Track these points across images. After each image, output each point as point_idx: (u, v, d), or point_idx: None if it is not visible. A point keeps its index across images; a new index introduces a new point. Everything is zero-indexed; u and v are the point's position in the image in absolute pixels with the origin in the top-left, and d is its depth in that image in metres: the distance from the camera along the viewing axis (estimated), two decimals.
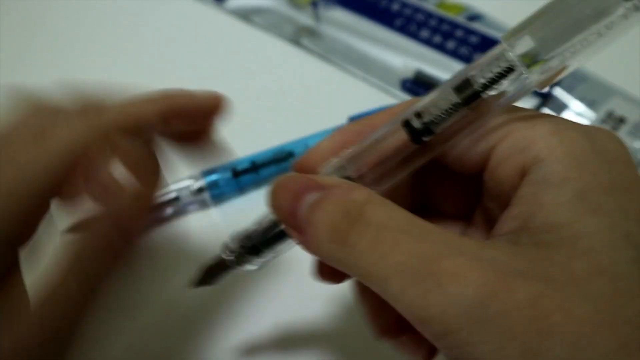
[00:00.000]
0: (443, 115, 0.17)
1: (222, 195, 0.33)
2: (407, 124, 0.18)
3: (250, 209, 0.33)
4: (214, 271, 0.23)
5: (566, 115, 0.35)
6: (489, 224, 0.19)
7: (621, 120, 0.34)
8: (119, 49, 0.43)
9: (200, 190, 0.32)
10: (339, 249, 0.16)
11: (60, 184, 0.18)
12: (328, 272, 0.20)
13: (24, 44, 0.44)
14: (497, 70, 0.16)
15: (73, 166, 0.18)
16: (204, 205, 0.33)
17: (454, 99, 0.17)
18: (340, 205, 0.16)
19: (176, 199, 0.32)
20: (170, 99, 0.21)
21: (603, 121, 0.34)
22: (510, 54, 0.16)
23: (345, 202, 0.16)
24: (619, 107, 0.35)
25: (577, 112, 0.35)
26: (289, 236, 0.19)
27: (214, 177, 0.33)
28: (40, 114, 0.20)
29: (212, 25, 0.43)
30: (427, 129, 0.17)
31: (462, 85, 0.17)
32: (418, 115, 0.18)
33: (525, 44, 0.16)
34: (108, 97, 0.21)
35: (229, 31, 0.43)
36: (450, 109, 0.17)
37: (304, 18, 0.42)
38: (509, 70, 0.16)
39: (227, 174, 0.33)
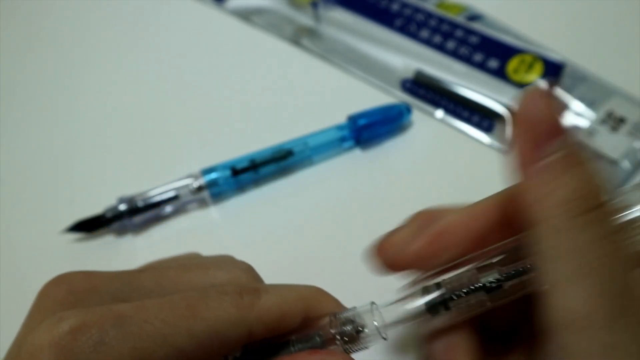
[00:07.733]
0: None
1: (222, 194, 0.33)
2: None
3: (250, 207, 0.34)
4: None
5: (566, 115, 0.35)
6: None
7: (621, 120, 0.34)
8: (119, 49, 0.43)
9: (199, 188, 0.32)
10: None
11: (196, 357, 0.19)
12: None
13: (24, 44, 0.44)
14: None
15: (218, 345, 0.19)
16: (203, 203, 0.33)
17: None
18: None
19: (176, 197, 0.32)
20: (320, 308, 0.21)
21: (603, 121, 0.34)
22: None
23: None
24: (619, 107, 0.35)
25: (577, 112, 0.35)
26: None
27: (213, 175, 0.33)
28: (202, 274, 0.21)
29: (212, 25, 0.43)
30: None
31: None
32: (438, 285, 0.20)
33: None
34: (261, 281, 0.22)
35: (229, 31, 0.43)
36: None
37: (304, 18, 0.42)
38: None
39: (227, 173, 0.33)
